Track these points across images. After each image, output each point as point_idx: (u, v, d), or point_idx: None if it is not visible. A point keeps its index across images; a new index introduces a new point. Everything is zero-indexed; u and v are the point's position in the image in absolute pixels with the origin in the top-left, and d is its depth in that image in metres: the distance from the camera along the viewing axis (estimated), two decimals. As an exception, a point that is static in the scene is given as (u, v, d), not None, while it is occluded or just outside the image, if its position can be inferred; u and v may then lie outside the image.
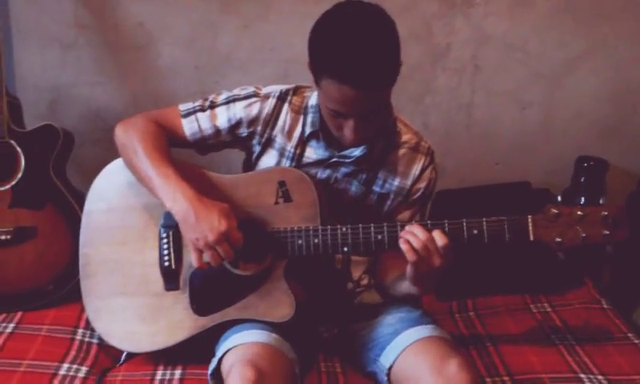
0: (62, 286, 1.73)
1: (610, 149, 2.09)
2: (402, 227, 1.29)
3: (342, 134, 1.31)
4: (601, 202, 1.29)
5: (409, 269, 1.29)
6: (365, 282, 1.54)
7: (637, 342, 1.65)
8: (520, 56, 2.03)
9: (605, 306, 1.80)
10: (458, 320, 1.80)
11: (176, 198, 1.31)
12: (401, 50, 1.25)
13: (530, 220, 1.27)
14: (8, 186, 1.71)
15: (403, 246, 1.26)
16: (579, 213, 1.25)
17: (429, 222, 1.29)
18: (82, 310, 1.55)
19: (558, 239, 1.27)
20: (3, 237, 1.70)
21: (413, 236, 1.26)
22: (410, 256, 1.25)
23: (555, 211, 1.26)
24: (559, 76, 2.07)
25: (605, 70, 2.07)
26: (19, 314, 1.70)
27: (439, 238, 1.25)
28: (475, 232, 1.28)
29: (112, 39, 1.94)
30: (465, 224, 1.28)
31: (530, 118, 2.11)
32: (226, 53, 1.98)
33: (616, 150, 2.11)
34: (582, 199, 1.30)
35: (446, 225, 1.28)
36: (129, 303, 1.46)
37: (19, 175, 1.71)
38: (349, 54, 1.19)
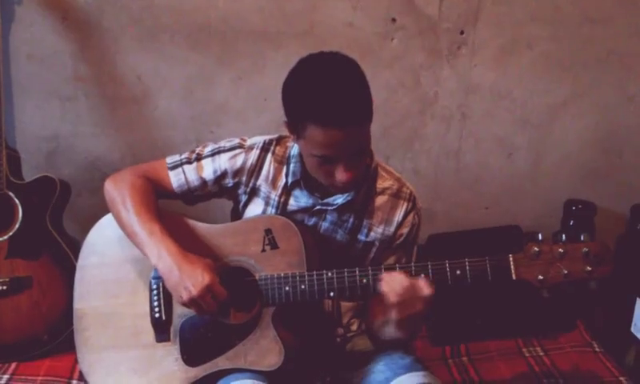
0: (56, 336, 1.74)
1: (597, 192, 2.12)
2: (386, 271, 1.31)
3: (333, 180, 1.33)
4: (582, 238, 1.28)
5: (392, 312, 1.30)
6: (355, 327, 1.54)
7: (628, 385, 1.65)
8: (506, 103, 2.08)
9: (597, 350, 1.80)
10: (451, 365, 1.80)
11: (161, 255, 1.34)
12: (369, 86, 1.29)
13: (511, 259, 1.28)
14: (5, 237, 1.74)
15: (385, 289, 1.28)
16: (560, 250, 1.26)
17: (412, 264, 1.31)
18: (76, 360, 1.54)
19: (540, 277, 1.27)
20: (-1, 287, 1.73)
21: (393, 280, 1.27)
22: (392, 299, 1.26)
23: (536, 249, 1.27)
24: (545, 122, 2.11)
25: (590, 115, 2.11)
26: (14, 364, 1.71)
27: (421, 282, 1.27)
28: (458, 272, 1.29)
29: (110, 92, 2.00)
30: (448, 265, 1.30)
31: (518, 163, 2.15)
32: (222, 103, 2.03)
33: (604, 193, 2.14)
34: (563, 236, 1.29)
35: (430, 266, 1.30)
36: (121, 357, 1.46)
37: (16, 226, 1.74)
38: (328, 97, 1.23)
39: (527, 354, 1.80)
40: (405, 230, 1.47)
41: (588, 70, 2.07)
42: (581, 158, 2.15)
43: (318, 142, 1.27)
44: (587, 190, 2.12)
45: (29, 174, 1.82)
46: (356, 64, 1.29)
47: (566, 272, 1.26)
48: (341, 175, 1.31)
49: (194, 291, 1.31)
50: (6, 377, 1.65)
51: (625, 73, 2.07)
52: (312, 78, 1.27)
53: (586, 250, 1.25)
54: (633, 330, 1.84)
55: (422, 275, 1.30)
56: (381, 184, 1.47)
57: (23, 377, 1.65)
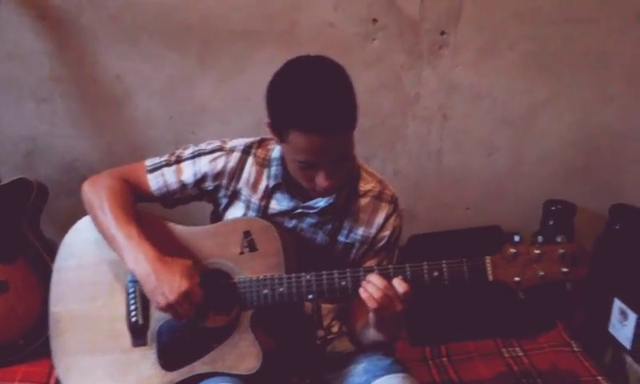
0: (33, 341, 1.72)
1: (577, 192, 2.14)
2: (365, 273, 1.31)
3: (314, 185, 1.33)
4: (558, 239, 1.29)
5: (371, 316, 1.30)
6: (335, 328, 1.54)
7: (605, 384, 1.66)
8: (487, 104, 2.09)
9: (575, 349, 1.82)
10: (431, 366, 1.80)
11: (138, 259, 1.33)
12: (355, 90, 1.28)
13: (488, 260, 1.29)
14: (-20, 240, 1.72)
15: (363, 295, 1.28)
16: (537, 251, 1.26)
17: (391, 266, 1.31)
18: (53, 366, 1.53)
19: (517, 278, 1.27)
20: (-26, 291, 1.70)
21: (371, 285, 1.28)
22: (370, 304, 1.27)
23: (513, 251, 1.27)
24: (525, 122, 2.13)
25: (569, 115, 2.13)
26: (-11, 369, 1.68)
27: (399, 285, 1.27)
28: (436, 274, 1.30)
29: (89, 92, 1.98)
30: (425, 267, 1.30)
31: (498, 164, 2.16)
32: (202, 103, 2.02)
33: (583, 193, 2.16)
34: (540, 238, 1.30)
35: (407, 268, 1.30)
36: (98, 361, 1.45)
37: (-9, 229, 1.72)
38: (312, 104, 1.23)
39: (506, 354, 1.82)
40: (386, 233, 1.47)
41: (568, 70, 2.08)
42: (561, 158, 2.16)
43: (301, 147, 1.27)
44: (567, 189, 2.14)
45: (5, 176, 1.79)
46: (342, 70, 1.28)
47: (542, 274, 1.26)
48: (322, 181, 1.31)
49: (171, 297, 1.30)
50: (-19, 382, 1.63)
51: (604, 72, 2.09)
52: (297, 83, 1.26)
53: (562, 251, 1.26)
54: (611, 329, 1.86)
55: (400, 276, 1.30)
56: (363, 186, 1.46)
57: (-1, 382, 1.64)
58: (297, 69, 1.28)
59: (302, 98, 1.24)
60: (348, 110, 1.27)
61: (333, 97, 1.24)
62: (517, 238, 1.29)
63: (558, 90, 2.10)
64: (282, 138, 1.31)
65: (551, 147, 2.15)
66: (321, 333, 1.52)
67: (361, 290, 1.28)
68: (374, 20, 1.98)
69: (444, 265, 1.30)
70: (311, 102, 1.23)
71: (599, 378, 1.69)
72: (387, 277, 1.29)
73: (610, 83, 2.10)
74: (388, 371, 1.40)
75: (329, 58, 1.29)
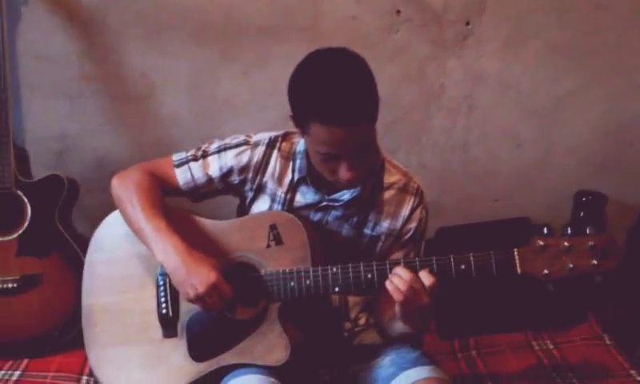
0: (67, 332, 1.76)
1: (608, 183, 2.10)
2: (391, 266, 1.31)
3: (337, 177, 1.33)
4: (588, 231, 1.27)
5: (397, 308, 1.30)
6: (362, 321, 1.54)
7: (639, 379, 1.63)
8: (513, 94, 2.07)
9: (607, 342, 1.79)
10: (460, 359, 1.79)
11: (167, 251, 1.35)
12: (376, 82, 1.28)
13: (516, 253, 1.27)
14: (15, 235, 1.76)
15: (389, 287, 1.28)
16: (566, 244, 1.25)
17: (417, 259, 1.31)
18: (86, 356, 1.56)
19: (546, 271, 1.26)
20: (10, 285, 1.75)
21: (398, 277, 1.27)
22: (397, 296, 1.27)
23: (541, 243, 1.26)
24: (553, 112, 2.09)
25: (598, 105, 2.09)
26: (25, 361, 1.73)
27: (426, 277, 1.27)
28: (463, 267, 1.29)
29: (116, 90, 2.01)
30: (452, 260, 1.29)
31: (526, 155, 2.13)
32: (226, 99, 2.03)
33: (614, 184, 2.11)
34: (569, 230, 1.28)
35: (434, 261, 1.30)
36: (130, 352, 1.48)
37: (25, 224, 1.76)
38: (332, 95, 1.23)
39: (537, 348, 1.79)
40: (412, 225, 1.46)
41: (596, 59, 2.04)
42: (590, 149, 2.13)
43: (322, 139, 1.27)
44: (598, 180, 2.10)
45: (38, 173, 1.83)
46: (363, 62, 1.29)
47: (571, 266, 1.25)
48: (344, 173, 1.31)
49: (200, 289, 1.32)
50: (17, 373, 1.67)
51: (633, 61, 2.04)
52: (317, 75, 1.26)
53: (591, 243, 1.24)
54: (644, 322, 1.83)
55: (427, 269, 1.29)
56: (388, 179, 1.46)
57: (34, 373, 1.68)
58: (317, 61, 1.29)
59: (322, 89, 1.24)
60: (369, 102, 1.27)
61: (353, 88, 1.24)
62: (545, 230, 1.28)
63: (586, 79, 2.06)
64: (304, 131, 1.32)
65: (580, 137, 2.12)
66: (348, 325, 1.53)
67: (387, 283, 1.28)
68: (398, 11, 1.96)
69: (471, 257, 1.29)
70: (331, 93, 1.23)
71: (632, 371, 1.66)
72: (413, 269, 1.29)
73: (640, 71, 2.06)
74: (416, 363, 1.40)
75: (349, 49, 1.29)
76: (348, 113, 1.23)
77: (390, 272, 1.30)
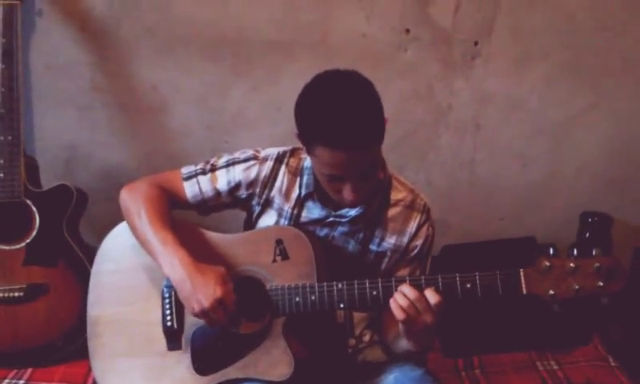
0: (71, 342, 1.76)
1: (614, 203, 2.10)
2: (397, 283, 1.31)
3: (340, 197, 1.34)
4: (594, 253, 1.27)
5: (401, 326, 1.30)
6: (367, 338, 1.54)
7: (643, 401, 1.62)
8: (521, 114, 2.07)
9: (612, 364, 1.78)
10: (464, 378, 1.79)
11: (173, 264, 1.36)
12: (383, 106, 1.29)
13: (522, 273, 1.27)
14: (23, 244, 1.77)
15: (393, 306, 1.28)
16: (571, 265, 1.25)
17: (422, 277, 1.31)
18: (90, 367, 1.56)
19: (551, 292, 1.25)
20: (16, 294, 1.75)
21: (402, 296, 1.27)
22: (399, 315, 1.27)
23: (547, 264, 1.26)
24: (561, 132, 2.10)
25: (606, 125, 2.09)
26: (29, 370, 1.73)
27: (431, 296, 1.27)
28: (468, 286, 1.29)
29: (127, 101, 2.03)
30: (458, 278, 1.29)
31: (533, 174, 2.13)
32: (236, 113, 2.05)
33: (621, 205, 2.12)
34: (575, 251, 1.28)
35: (440, 280, 1.30)
36: (134, 364, 1.48)
37: (33, 233, 1.77)
38: (336, 120, 1.23)
39: (541, 368, 1.79)
40: (418, 242, 1.46)
41: (604, 79, 2.05)
42: (597, 169, 2.13)
43: (326, 162, 1.28)
44: (604, 201, 2.10)
45: (47, 183, 1.85)
46: (370, 86, 1.29)
47: (577, 287, 1.25)
48: (348, 194, 1.32)
49: (206, 304, 1.32)
50: (21, 382, 1.68)
51: (641, 82, 2.05)
52: (323, 98, 1.27)
53: (597, 265, 1.24)
54: (649, 344, 1.82)
55: (432, 287, 1.29)
56: (395, 195, 1.47)
57: (39, 382, 1.68)
58: (324, 83, 1.29)
59: (327, 114, 1.25)
60: (373, 127, 1.27)
61: (358, 113, 1.24)
62: (551, 251, 1.28)
63: (594, 99, 2.07)
64: (309, 151, 1.33)
65: (588, 158, 2.12)
66: (352, 341, 1.53)
67: (391, 301, 1.28)
68: (407, 30, 1.98)
69: (477, 277, 1.29)
70: (336, 118, 1.24)
71: (636, 393, 1.65)
72: (419, 287, 1.29)
73: (649, 92, 2.07)
74: (419, 382, 1.40)
75: (357, 73, 1.30)
76: (352, 138, 1.24)
77: (396, 289, 1.30)
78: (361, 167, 1.29)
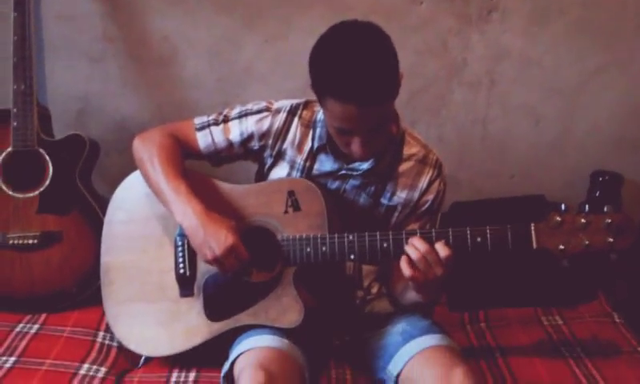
0: (85, 289, 1.79)
1: (625, 163, 2.09)
2: (407, 235, 1.32)
3: (350, 150, 1.35)
4: (605, 209, 1.27)
5: (412, 279, 1.32)
6: (375, 290, 1.57)
7: (647, 355, 1.64)
8: (536, 71, 2.05)
9: (616, 320, 1.79)
10: (469, 331, 1.81)
11: (186, 212, 1.37)
12: (399, 62, 1.28)
13: (532, 228, 1.28)
14: (36, 192, 1.79)
15: (403, 258, 1.29)
16: (582, 220, 1.25)
17: (433, 231, 1.32)
18: (103, 313, 1.60)
19: (561, 247, 1.26)
20: (30, 241, 1.78)
21: (413, 248, 1.29)
22: (407, 270, 1.28)
23: (558, 219, 1.26)
24: (575, 91, 2.07)
25: (620, 85, 2.06)
26: (43, 315, 1.76)
27: (442, 249, 1.28)
28: (479, 240, 1.30)
29: (138, 52, 2.02)
30: (469, 232, 1.30)
31: (546, 132, 2.12)
32: (247, 66, 2.04)
33: (632, 165, 2.10)
34: (586, 207, 1.28)
35: (450, 233, 1.31)
36: (147, 309, 1.51)
37: (47, 182, 1.79)
38: (349, 74, 1.23)
39: (546, 323, 1.80)
40: (430, 197, 1.47)
41: (621, 39, 2.02)
42: (610, 129, 2.11)
43: (336, 114, 1.28)
44: (615, 160, 2.09)
45: (59, 133, 1.85)
46: (387, 40, 1.28)
47: (587, 242, 1.25)
48: (356, 148, 1.32)
49: (218, 251, 1.34)
50: (36, 327, 1.71)
51: (659, 41, 2.02)
52: (337, 50, 1.26)
53: (608, 221, 1.24)
54: (654, 302, 1.84)
55: (442, 240, 1.30)
56: (407, 150, 1.47)
57: (52, 327, 1.71)
58: (340, 35, 1.28)
59: (339, 67, 1.24)
60: (386, 83, 1.26)
61: (371, 68, 1.23)
62: (563, 207, 1.28)
63: (609, 58, 2.04)
64: (320, 103, 1.33)
65: (601, 117, 2.10)
66: (360, 293, 1.55)
67: (402, 258, 1.29)
68: (422, -18, 1.95)
69: (488, 230, 1.30)
70: (348, 72, 1.23)
71: (639, 348, 1.67)
72: (429, 240, 1.30)
73: (665, 52, 2.04)
74: (426, 332, 1.42)
75: (376, 25, 1.28)
76: (363, 93, 1.23)
77: (406, 242, 1.31)
78: (371, 122, 1.29)
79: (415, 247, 1.29)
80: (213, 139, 1.50)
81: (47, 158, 1.79)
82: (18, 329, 1.70)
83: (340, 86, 1.24)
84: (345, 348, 1.57)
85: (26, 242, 1.78)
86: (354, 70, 1.23)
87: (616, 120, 2.10)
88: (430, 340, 1.39)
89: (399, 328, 1.46)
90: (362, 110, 1.25)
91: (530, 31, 2.01)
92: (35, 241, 1.78)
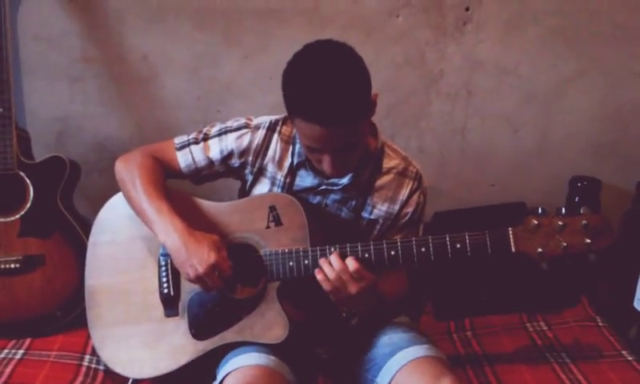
0: (69, 312, 1.78)
1: (603, 168, 2.12)
2: (388, 245, 1.34)
3: (321, 167, 1.37)
4: (581, 211, 1.29)
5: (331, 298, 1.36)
6: (360, 302, 1.57)
7: (630, 358, 1.66)
8: (512, 80, 2.07)
9: (600, 324, 1.81)
10: (455, 340, 1.82)
11: (168, 232, 1.38)
12: (370, 83, 1.29)
13: (510, 232, 1.29)
14: (17, 216, 1.77)
15: (318, 276, 1.33)
16: (559, 223, 1.26)
17: (413, 239, 1.34)
18: (89, 336, 1.59)
19: (540, 250, 1.27)
20: (12, 265, 1.76)
21: (328, 265, 1.33)
22: (325, 285, 1.33)
23: (535, 222, 1.28)
24: (552, 98, 2.10)
25: (596, 91, 2.10)
26: (28, 340, 1.74)
27: (351, 263, 1.31)
28: (458, 246, 1.31)
29: (117, 72, 2.01)
30: (448, 239, 1.31)
31: (524, 140, 2.14)
32: (227, 82, 2.04)
33: (609, 169, 2.13)
34: (563, 210, 1.30)
35: (430, 240, 1.32)
36: (132, 331, 1.51)
37: (28, 205, 1.77)
38: (314, 93, 1.24)
39: (530, 329, 1.82)
40: (410, 209, 1.48)
41: (595, 45, 2.05)
42: (587, 134, 2.14)
43: (304, 133, 1.30)
44: (593, 166, 2.12)
45: (39, 155, 1.84)
46: (357, 61, 1.29)
47: (565, 244, 1.26)
48: (326, 166, 1.34)
49: (200, 269, 1.35)
50: (20, 352, 1.69)
51: (632, 48, 2.05)
52: (304, 71, 1.27)
53: (585, 222, 1.25)
54: (635, 304, 1.85)
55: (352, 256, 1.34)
56: (387, 163, 1.48)
57: (37, 352, 1.69)
58: (310, 55, 1.29)
59: (306, 86, 1.25)
60: (352, 104, 1.26)
61: (337, 89, 1.24)
62: (540, 210, 1.29)
63: (585, 64, 2.07)
64: (291, 120, 1.35)
65: (578, 123, 2.13)
66: (346, 306, 1.55)
67: (316, 271, 1.34)
68: (399, -4, 1.97)
69: (467, 237, 1.31)
70: (314, 91, 1.24)
71: (623, 352, 1.69)
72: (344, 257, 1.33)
73: (638, 58, 2.07)
74: (412, 343, 1.43)
75: (348, 46, 1.29)
76: (327, 113, 1.24)
77: (386, 252, 1.32)
78: (338, 142, 1.29)
79: (329, 264, 1.32)
80: (193, 158, 1.51)
81: (28, 180, 1.78)
82: (2, 355, 1.68)
83: (305, 106, 1.26)
84: (332, 361, 1.57)
85: (8, 266, 1.77)
86: (319, 90, 1.24)
87: (593, 125, 2.14)
88: (418, 351, 1.40)
89: (386, 339, 1.47)
90: (327, 130, 1.26)
91: (505, 41, 2.04)
92: (17, 265, 1.77)
